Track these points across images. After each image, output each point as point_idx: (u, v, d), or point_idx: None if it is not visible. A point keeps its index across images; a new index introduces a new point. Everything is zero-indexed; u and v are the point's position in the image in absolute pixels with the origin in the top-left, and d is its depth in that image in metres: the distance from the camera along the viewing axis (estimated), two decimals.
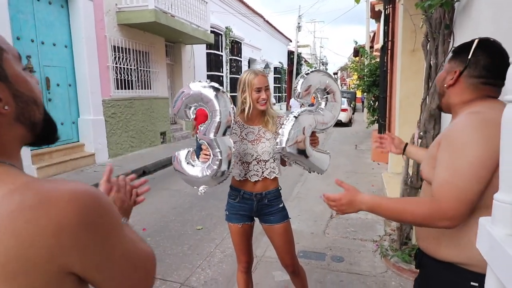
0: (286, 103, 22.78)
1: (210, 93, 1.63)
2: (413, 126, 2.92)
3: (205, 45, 11.17)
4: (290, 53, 24.49)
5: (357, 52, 14.69)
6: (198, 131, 1.71)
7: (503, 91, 1.06)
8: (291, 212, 4.00)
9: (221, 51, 13.21)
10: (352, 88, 23.91)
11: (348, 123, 15.32)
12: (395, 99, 5.04)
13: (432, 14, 2.35)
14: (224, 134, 1.67)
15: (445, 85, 1.13)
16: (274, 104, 17.29)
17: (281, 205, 1.96)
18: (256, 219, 2.00)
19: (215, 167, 1.68)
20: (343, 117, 14.63)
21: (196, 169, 1.73)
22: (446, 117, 2.35)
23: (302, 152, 1.74)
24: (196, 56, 10.86)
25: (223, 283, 2.74)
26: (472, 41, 1.07)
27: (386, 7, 5.96)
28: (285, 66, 23.44)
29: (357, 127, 14.41)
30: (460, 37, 2.07)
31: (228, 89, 13.00)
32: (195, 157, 1.80)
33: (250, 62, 17.07)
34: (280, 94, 22.35)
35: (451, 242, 1.07)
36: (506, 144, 0.65)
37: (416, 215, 1.03)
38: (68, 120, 6.36)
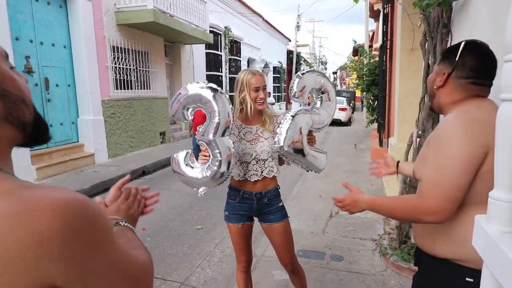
0: (285, 102, 22.79)
1: (209, 94, 1.63)
2: (412, 125, 2.93)
3: (204, 45, 11.16)
4: (289, 53, 24.49)
5: (356, 51, 14.71)
6: (196, 132, 1.71)
7: (495, 90, 1.07)
8: (291, 211, 4.01)
9: (220, 51, 13.21)
10: (352, 88, 23.92)
11: (348, 123, 15.33)
12: (394, 98, 5.04)
13: (430, 13, 2.36)
14: (223, 134, 1.67)
15: (435, 87, 1.18)
16: (273, 104, 17.27)
17: (280, 204, 1.97)
18: (255, 219, 2.01)
19: (215, 168, 1.67)
20: (343, 116, 14.64)
21: (196, 170, 1.72)
22: None
23: (300, 151, 1.75)
24: (195, 56, 10.85)
25: (223, 282, 2.74)
26: (460, 44, 1.12)
27: (385, 6, 5.97)
28: (284, 65, 23.44)
29: (357, 127, 14.42)
30: (458, 36, 2.08)
31: (228, 89, 12.99)
32: (194, 158, 1.79)
33: (250, 61, 17.07)
34: (279, 94, 22.35)
35: (445, 238, 1.10)
36: (500, 142, 0.66)
37: (405, 211, 1.11)
38: (67, 120, 6.36)
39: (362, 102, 20.79)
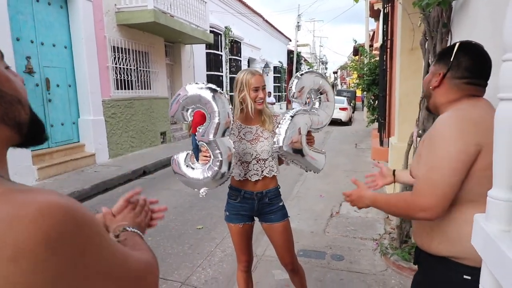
0: (286, 102, 22.79)
1: (208, 95, 1.63)
2: (412, 125, 2.93)
3: (204, 45, 11.17)
4: (290, 53, 24.48)
5: (356, 51, 14.69)
6: (196, 133, 1.71)
7: (499, 89, 1.08)
8: (291, 211, 4.01)
9: (221, 51, 13.21)
10: (352, 87, 23.90)
11: (348, 122, 15.31)
12: (395, 97, 5.04)
13: (430, 12, 2.36)
14: (223, 135, 1.67)
15: (430, 87, 1.20)
16: (274, 103, 17.26)
17: (281, 204, 1.97)
18: (256, 219, 2.01)
19: (216, 168, 1.67)
20: (343, 116, 14.63)
21: (197, 171, 1.72)
22: None
23: (299, 151, 1.77)
24: (195, 56, 10.86)
25: (224, 282, 2.75)
26: (454, 45, 1.15)
27: (385, 6, 5.96)
28: (285, 65, 23.44)
29: (357, 126, 14.41)
30: (458, 36, 2.08)
31: (228, 89, 13.00)
32: (195, 159, 1.79)
33: (250, 61, 17.07)
34: (280, 94, 22.35)
35: (442, 236, 1.12)
36: (498, 142, 0.66)
37: (400, 207, 1.16)
38: (68, 120, 6.37)
39: (362, 101, 20.77)
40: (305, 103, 1.89)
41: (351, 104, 18.22)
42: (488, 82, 1.13)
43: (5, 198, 0.47)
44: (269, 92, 17.49)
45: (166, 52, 9.46)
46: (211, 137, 1.65)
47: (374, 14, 12.62)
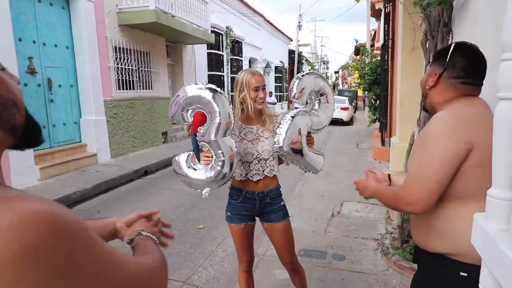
0: (287, 102, 22.78)
1: (208, 95, 1.63)
2: (414, 124, 2.93)
3: (205, 45, 11.18)
4: (291, 52, 24.48)
5: (358, 50, 14.69)
6: (197, 133, 1.71)
7: (499, 88, 1.08)
8: (293, 211, 4.02)
9: (222, 51, 13.22)
10: (354, 87, 23.88)
11: (350, 122, 15.29)
12: (396, 97, 5.03)
13: (430, 12, 2.36)
14: (224, 135, 1.68)
15: (427, 87, 1.23)
16: (275, 103, 17.25)
17: (282, 204, 1.98)
18: (256, 219, 2.01)
19: (218, 168, 1.67)
20: (344, 115, 14.62)
21: (199, 172, 1.72)
22: None
23: (298, 152, 1.78)
24: (197, 56, 10.87)
25: (225, 281, 2.75)
26: (450, 45, 1.17)
27: (386, 5, 5.96)
28: (286, 65, 23.43)
29: (359, 126, 14.39)
30: (459, 35, 2.08)
31: (229, 89, 13.01)
32: (196, 160, 1.79)
33: (251, 61, 17.08)
34: (281, 94, 22.35)
35: (438, 233, 1.14)
36: (498, 141, 0.66)
37: (390, 200, 1.22)
38: (70, 120, 6.39)
39: (364, 101, 20.74)
40: (306, 103, 1.90)
41: (353, 104, 18.20)
42: (491, 82, 1.13)
43: None
44: (270, 92, 17.48)
45: (167, 52, 9.47)
46: (212, 137, 1.65)
47: (375, 13, 12.59)
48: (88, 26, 6.45)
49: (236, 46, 14.55)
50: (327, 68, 49.82)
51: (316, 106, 1.93)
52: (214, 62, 12.63)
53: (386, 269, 2.83)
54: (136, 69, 7.95)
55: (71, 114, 6.42)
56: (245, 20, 15.58)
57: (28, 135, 0.60)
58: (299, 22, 25.03)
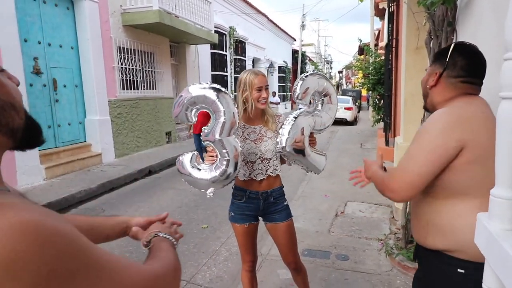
0: (290, 102, 22.76)
1: (212, 94, 1.63)
2: (418, 124, 2.91)
3: (209, 45, 11.20)
4: (295, 52, 24.44)
5: (362, 50, 14.63)
6: (202, 133, 1.71)
7: (501, 88, 1.09)
8: (296, 211, 4.02)
9: (225, 51, 13.24)
10: (357, 87, 23.79)
11: (353, 122, 15.25)
12: (400, 97, 5.01)
13: (434, 11, 2.35)
14: (229, 134, 1.68)
15: (428, 86, 1.25)
16: (279, 103, 17.24)
17: (285, 203, 1.98)
18: (259, 218, 2.02)
19: (223, 167, 1.67)
20: (348, 115, 14.58)
21: (203, 171, 1.72)
22: None
23: (301, 152, 1.79)
24: (200, 56, 10.90)
25: (229, 281, 2.76)
26: (450, 45, 1.20)
27: (390, 5, 5.94)
28: (290, 65, 23.40)
29: (362, 126, 14.34)
30: (463, 34, 2.07)
31: (233, 88, 13.02)
32: (200, 160, 1.79)
33: (254, 61, 17.08)
34: (284, 93, 22.33)
35: (436, 230, 1.16)
36: (501, 141, 0.66)
37: (379, 184, 1.28)
38: (75, 120, 6.44)
39: (368, 101, 20.67)
40: (309, 103, 1.90)
41: (357, 103, 18.14)
42: (496, 81, 1.14)
43: None
44: (274, 92, 17.48)
45: (171, 53, 9.50)
46: (217, 136, 1.65)
47: (379, 13, 12.55)
48: (93, 26, 6.49)
49: (240, 46, 14.56)
50: (331, 68, 49.71)
51: (319, 107, 1.93)
52: (218, 62, 12.65)
53: (390, 270, 2.83)
54: (140, 69, 7.99)
55: (76, 114, 6.47)
56: (248, 20, 15.59)
57: (28, 136, 0.59)
58: (303, 22, 24.98)
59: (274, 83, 19.80)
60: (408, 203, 2.74)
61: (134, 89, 7.82)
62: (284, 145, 1.72)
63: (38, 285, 0.43)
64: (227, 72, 13.38)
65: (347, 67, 38.17)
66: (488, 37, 1.59)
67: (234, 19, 13.67)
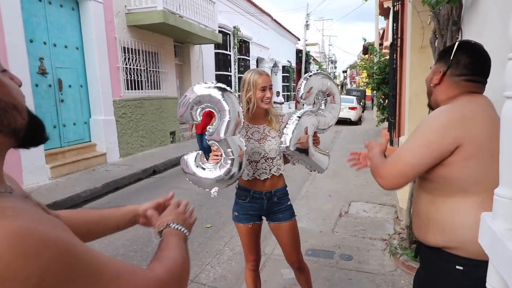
0: (294, 102, 22.73)
1: (218, 94, 1.63)
2: None
3: (213, 45, 11.22)
4: (299, 52, 24.41)
5: (366, 49, 14.57)
6: (206, 132, 1.71)
7: (506, 87, 1.09)
8: (300, 211, 4.01)
9: (229, 51, 13.26)
10: (362, 86, 23.70)
11: (358, 122, 15.18)
12: (405, 96, 4.99)
13: (439, 10, 2.33)
14: (234, 133, 1.68)
15: (432, 85, 1.26)
16: (283, 103, 17.22)
17: (289, 203, 1.99)
18: (263, 218, 2.02)
19: (228, 166, 1.67)
20: (353, 115, 14.52)
21: (207, 171, 1.71)
22: None
23: (305, 151, 1.79)
24: (204, 56, 10.92)
25: (232, 280, 2.77)
26: (454, 44, 1.20)
27: (395, 4, 5.91)
28: (294, 64, 23.37)
29: (367, 126, 14.28)
30: (469, 33, 2.06)
31: (237, 88, 13.04)
32: (205, 159, 1.79)
33: (258, 61, 17.08)
34: (288, 93, 22.30)
35: (437, 227, 1.16)
36: (505, 140, 0.66)
37: (373, 168, 1.30)
38: (80, 120, 6.48)
39: (372, 100, 20.58)
40: (314, 103, 1.90)
41: (361, 103, 18.07)
42: (498, 81, 1.13)
43: None
44: (278, 92, 17.46)
45: (175, 53, 9.54)
46: (222, 135, 1.65)
47: (384, 12, 12.49)
48: (97, 27, 6.53)
49: (244, 46, 14.57)
50: (335, 67, 49.55)
51: (323, 106, 1.94)
52: (222, 62, 12.67)
53: (394, 270, 2.82)
54: (144, 69, 8.03)
55: (81, 114, 6.51)
56: (252, 20, 15.59)
57: (30, 135, 0.59)
58: (307, 21, 24.93)
59: (278, 83, 19.79)
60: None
61: (138, 89, 7.86)
62: (288, 144, 1.73)
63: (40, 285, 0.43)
64: (231, 72, 13.39)
65: (352, 67, 38.06)
66: (494, 36, 1.58)
67: (238, 19, 13.68)
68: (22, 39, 5.01)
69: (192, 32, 8.46)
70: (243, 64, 14.48)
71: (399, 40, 6.00)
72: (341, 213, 4.12)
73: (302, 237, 2.05)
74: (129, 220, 0.97)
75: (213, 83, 1.68)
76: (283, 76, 21.21)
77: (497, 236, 0.65)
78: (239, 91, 1.97)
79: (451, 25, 2.27)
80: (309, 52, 26.72)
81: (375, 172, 1.26)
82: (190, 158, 1.76)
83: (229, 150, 1.66)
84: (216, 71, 12.17)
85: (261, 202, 1.92)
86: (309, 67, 24.99)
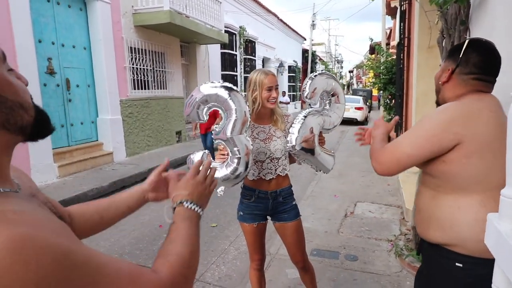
0: (300, 102, 22.68)
1: (224, 93, 1.64)
2: None
3: (219, 44, 11.25)
4: (305, 52, 24.35)
5: (373, 49, 14.49)
6: (212, 131, 1.72)
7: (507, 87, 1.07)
8: (305, 210, 4.01)
9: (235, 51, 13.27)
10: (368, 86, 23.57)
11: (364, 122, 15.10)
12: (412, 96, 4.95)
13: (447, 10, 2.32)
14: (240, 132, 1.68)
15: (440, 82, 1.25)
16: (289, 103, 17.19)
17: (294, 203, 1.99)
18: (268, 218, 2.02)
19: (234, 165, 1.67)
20: (359, 115, 14.45)
21: None
22: None
23: (311, 151, 1.79)
24: (210, 56, 10.95)
25: (237, 279, 2.78)
26: (464, 42, 1.19)
27: (402, 3, 5.87)
28: (300, 64, 23.32)
29: None
30: (477, 33, 2.04)
31: (243, 88, 13.05)
32: (211, 158, 1.80)
33: (264, 61, 17.07)
34: (294, 93, 22.26)
35: (438, 223, 1.17)
36: (511, 140, 0.65)
37: (372, 151, 1.33)
38: (87, 119, 6.55)
39: (379, 101, 20.45)
40: (319, 103, 1.91)
41: (367, 103, 17.97)
42: (507, 80, 1.12)
43: None
44: (284, 92, 17.44)
45: (181, 52, 9.58)
46: (228, 134, 1.65)
47: (391, 11, 12.40)
48: (105, 27, 6.59)
49: (250, 46, 14.58)
50: (341, 67, 49.35)
51: (327, 106, 1.94)
52: (228, 62, 12.69)
53: (400, 271, 2.80)
54: (151, 69, 8.08)
55: (88, 114, 6.58)
56: (258, 20, 15.59)
57: (37, 129, 0.60)
58: (313, 21, 24.86)
59: (284, 83, 19.76)
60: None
61: (145, 88, 7.91)
62: (294, 143, 1.73)
63: None
64: (237, 72, 13.41)
65: (358, 67, 37.84)
66: (503, 36, 1.56)
67: (244, 19, 13.69)
68: (31, 39, 5.07)
69: (199, 32, 8.49)
70: (249, 64, 14.48)
71: (406, 39, 5.96)
72: (347, 213, 4.10)
73: (307, 237, 2.05)
74: (138, 199, 0.98)
75: (219, 82, 1.68)
76: (289, 76, 21.18)
77: (503, 237, 0.65)
78: (245, 91, 1.97)
79: (459, 24, 2.25)
80: (315, 52, 26.63)
81: (373, 156, 1.28)
82: (197, 157, 1.76)
83: (235, 149, 1.67)
84: (222, 71, 12.20)
85: (266, 202, 1.92)
86: (315, 67, 24.92)
